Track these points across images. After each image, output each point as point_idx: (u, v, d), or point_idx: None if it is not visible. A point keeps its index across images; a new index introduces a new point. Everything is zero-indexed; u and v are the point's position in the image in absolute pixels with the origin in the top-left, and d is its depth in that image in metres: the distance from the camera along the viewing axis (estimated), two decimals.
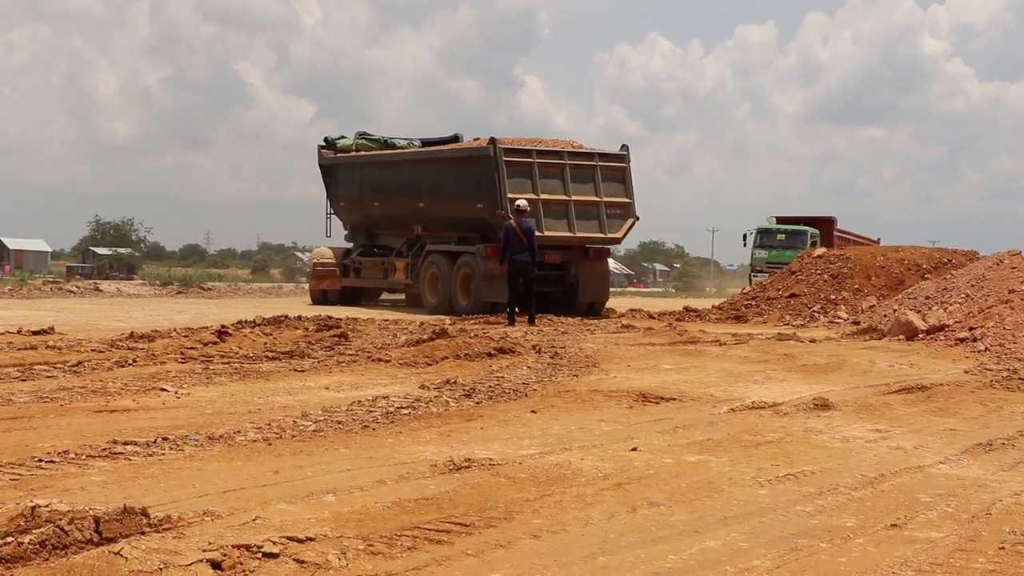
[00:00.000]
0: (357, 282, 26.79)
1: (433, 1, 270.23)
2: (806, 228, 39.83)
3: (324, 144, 27.79)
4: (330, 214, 28.38)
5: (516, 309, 18.74)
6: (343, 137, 27.66)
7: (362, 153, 27.27)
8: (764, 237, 39.99)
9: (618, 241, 24.16)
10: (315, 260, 27.25)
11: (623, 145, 23.56)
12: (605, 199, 22.83)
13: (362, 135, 27.58)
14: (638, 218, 23.42)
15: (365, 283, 26.89)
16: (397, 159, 26.25)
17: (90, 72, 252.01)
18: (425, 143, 27.30)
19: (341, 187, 27.28)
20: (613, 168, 23.13)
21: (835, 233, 40.90)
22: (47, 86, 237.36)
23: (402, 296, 27.87)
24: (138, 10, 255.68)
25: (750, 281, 40.12)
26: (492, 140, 22.18)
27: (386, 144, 27.50)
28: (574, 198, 22.46)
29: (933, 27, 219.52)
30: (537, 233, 21.30)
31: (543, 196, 22.07)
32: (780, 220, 41.52)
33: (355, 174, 26.96)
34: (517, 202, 19.32)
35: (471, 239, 23.19)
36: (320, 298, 26.67)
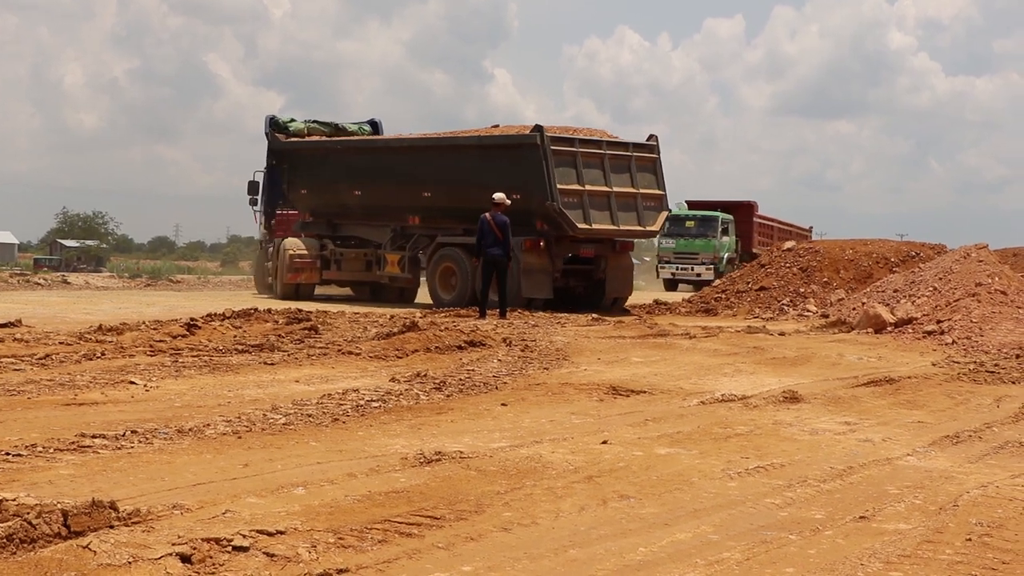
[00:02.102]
0: (337, 276, 25.40)
1: None
2: (717, 214, 36.44)
3: (275, 127, 26.22)
4: (257, 208, 27.32)
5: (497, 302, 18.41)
6: (293, 120, 26.38)
7: (343, 138, 25.94)
8: (672, 225, 34.66)
9: (655, 234, 23.27)
10: (291, 251, 25.02)
11: (651, 135, 22.41)
12: (641, 191, 21.75)
13: (272, 119, 26.31)
14: (670, 210, 22.41)
15: (345, 276, 25.51)
16: (397, 145, 24.44)
17: (57, 63, 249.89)
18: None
19: (303, 173, 25.67)
20: (645, 159, 22.03)
21: (755, 220, 38.10)
22: (13, 77, 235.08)
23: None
24: (105, 0, 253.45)
25: (657, 274, 37.74)
26: (538, 128, 20.74)
27: (337, 128, 26.57)
28: (615, 189, 21.33)
29: (900, 21, 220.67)
30: (583, 225, 20.63)
31: (587, 187, 20.93)
32: (692, 205, 38.12)
33: (326, 160, 25.37)
34: (494, 195, 18.74)
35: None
36: (292, 293, 24.62)
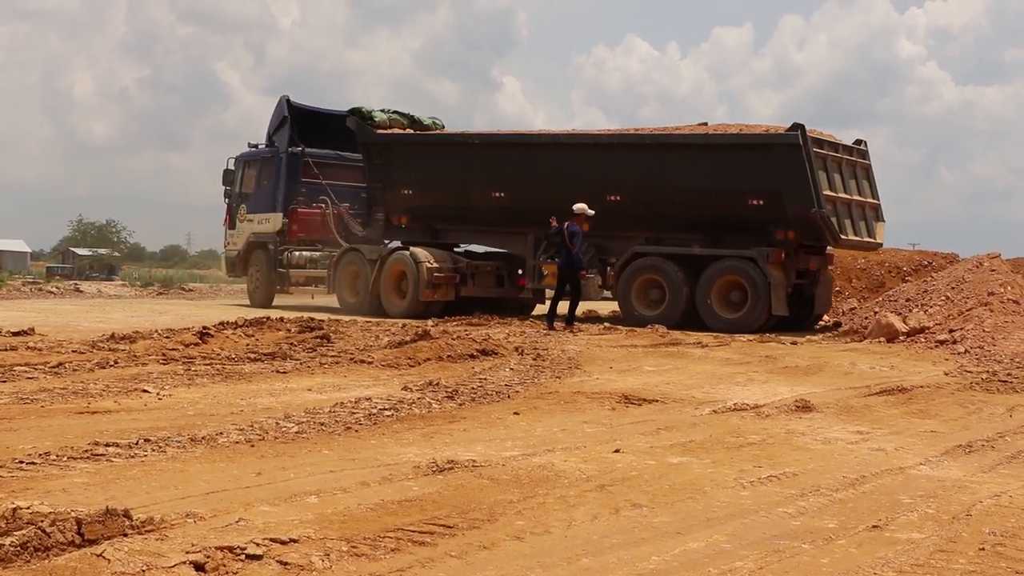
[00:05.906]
0: (473, 292, 22.31)
1: (411, 2, 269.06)
2: None
3: (360, 117, 23.35)
4: (230, 203, 25.42)
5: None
6: (373, 110, 23.63)
7: (484, 132, 23.33)
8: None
9: (880, 246, 21.24)
10: (428, 264, 21.74)
11: (859, 140, 20.44)
12: (868, 200, 20.02)
13: (354, 109, 23.89)
14: (884, 221, 20.68)
15: (480, 293, 22.38)
16: (575, 142, 21.44)
17: (67, 71, 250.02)
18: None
19: (410, 171, 22.83)
20: (863, 165, 20.13)
21: None
22: (24, 85, 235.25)
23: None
24: (115, 9, 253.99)
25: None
26: (798, 126, 18.40)
27: (413, 120, 24.09)
28: (854, 197, 19.48)
29: (909, 31, 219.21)
30: (844, 236, 18.96)
31: (840, 195, 19.03)
32: None
33: (452, 157, 22.57)
34: (575, 206, 17.70)
35: (695, 240, 19.46)
36: (422, 311, 21.26)
